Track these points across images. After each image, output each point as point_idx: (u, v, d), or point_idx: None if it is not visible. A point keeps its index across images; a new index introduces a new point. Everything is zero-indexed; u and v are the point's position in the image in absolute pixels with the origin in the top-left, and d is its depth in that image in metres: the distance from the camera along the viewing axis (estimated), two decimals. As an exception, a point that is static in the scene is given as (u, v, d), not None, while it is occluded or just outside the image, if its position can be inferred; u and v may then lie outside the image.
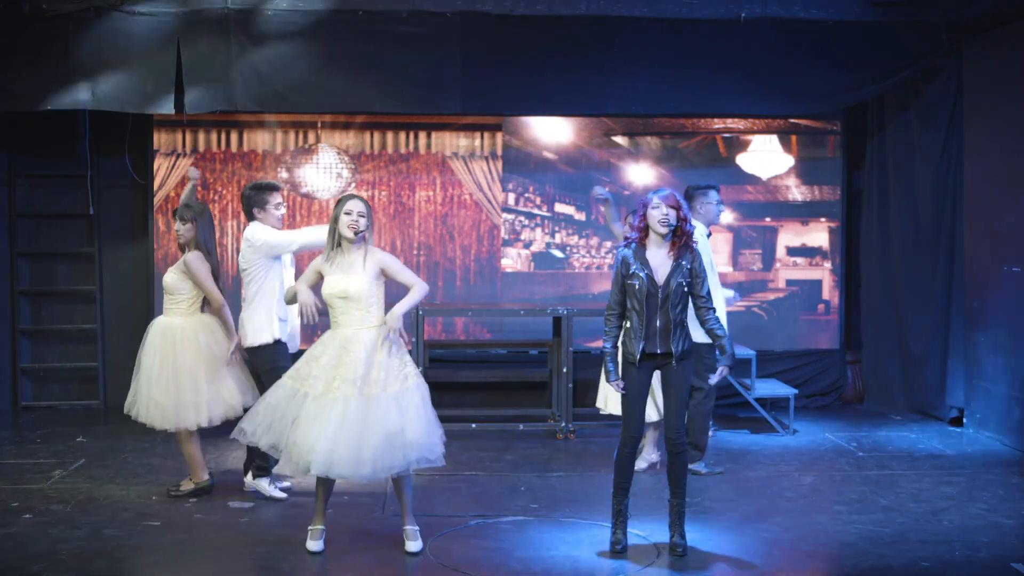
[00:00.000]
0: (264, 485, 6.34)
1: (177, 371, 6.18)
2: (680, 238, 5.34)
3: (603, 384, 6.93)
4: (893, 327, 9.20)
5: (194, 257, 6.24)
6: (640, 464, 6.95)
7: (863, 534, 5.71)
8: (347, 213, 5.31)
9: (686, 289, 5.34)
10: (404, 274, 5.41)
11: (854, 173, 9.59)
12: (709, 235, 7.04)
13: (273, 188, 6.44)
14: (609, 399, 6.87)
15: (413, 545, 5.38)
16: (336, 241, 5.36)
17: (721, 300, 6.96)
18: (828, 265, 9.61)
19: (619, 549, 5.38)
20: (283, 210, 6.49)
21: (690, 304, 5.40)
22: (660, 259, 5.34)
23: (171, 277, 6.32)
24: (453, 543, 5.55)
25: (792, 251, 9.58)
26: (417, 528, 5.45)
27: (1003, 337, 7.84)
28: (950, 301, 8.62)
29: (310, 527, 5.47)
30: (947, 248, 8.64)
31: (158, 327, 6.32)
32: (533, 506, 6.26)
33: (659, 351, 5.33)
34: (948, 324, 8.65)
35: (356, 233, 5.30)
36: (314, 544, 5.40)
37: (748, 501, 6.37)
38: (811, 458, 7.49)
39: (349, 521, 5.91)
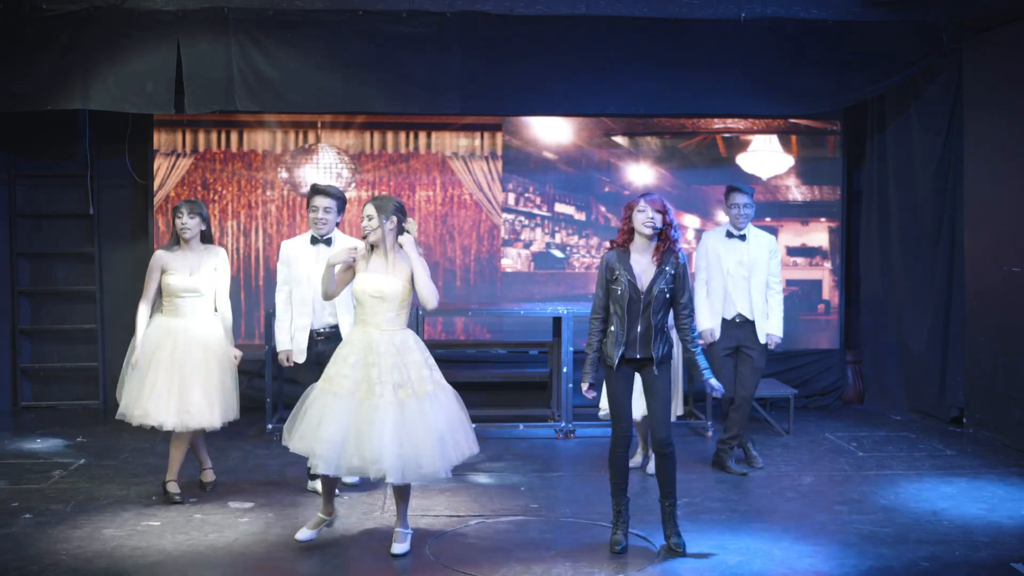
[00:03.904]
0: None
1: (200, 372, 6.15)
2: (664, 243, 5.33)
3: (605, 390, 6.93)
4: (893, 327, 9.20)
5: (224, 252, 6.35)
6: (636, 460, 6.94)
7: (863, 534, 5.71)
8: (362, 219, 5.37)
9: (668, 296, 5.34)
10: (420, 275, 5.34)
11: (854, 173, 9.60)
12: (731, 235, 6.99)
13: (312, 192, 6.37)
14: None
15: (398, 547, 5.37)
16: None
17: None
18: (828, 265, 9.61)
19: (619, 550, 5.38)
20: (316, 213, 6.29)
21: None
22: (644, 264, 5.33)
23: (205, 280, 6.22)
24: (453, 543, 5.55)
25: (792, 251, 9.58)
26: (409, 532, 5.46)
27: (1003, 337, 7.84)
28: (950, 301, 8.62)
29: (318, 515, 5.51)
30: (947, 248, 8.64)
31: (172, 328, 6.22)
32: (533, 506, 6.26)
33: (638, 356, 5.34)
34: (948, 324, 8.65)
35: (364, 235, 5.32)
36: (306, 533, 5.43)
37: (748, 501, 6.37)
38: (811, 458, 7.49)
39: (349, 521, 5.91)
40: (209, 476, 6.56)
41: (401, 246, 5.35)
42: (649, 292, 5.29)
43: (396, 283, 5.29)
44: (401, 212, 5.38)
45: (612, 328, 5.34)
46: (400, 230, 5.36)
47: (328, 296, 5.49)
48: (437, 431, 5.24)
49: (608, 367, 5.37)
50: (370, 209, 5.33)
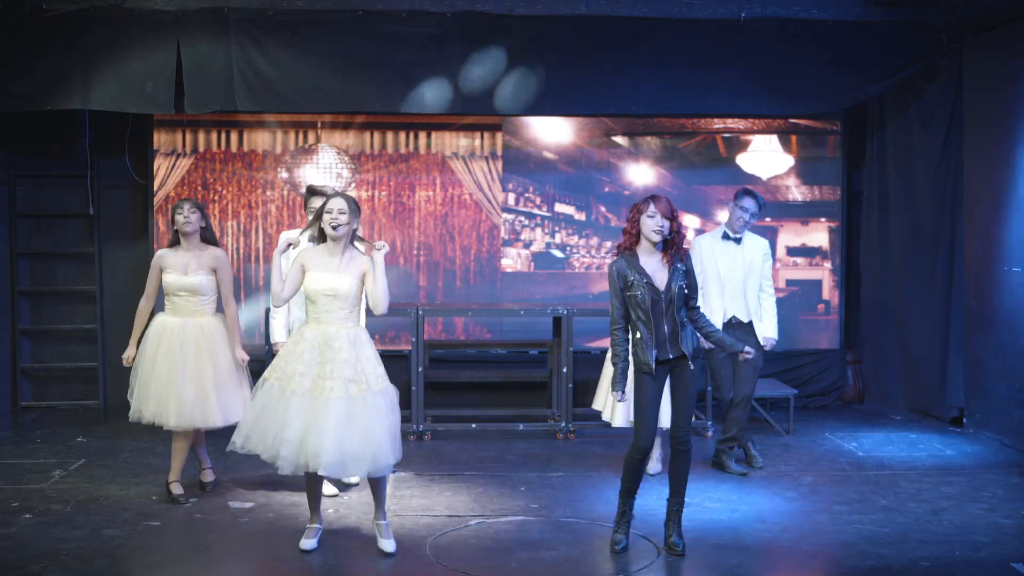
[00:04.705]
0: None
1: (201, 370, 6.15)
2: (672, 246, 5.32)
3: (609, 396, 6.89)
4: (893, 327, 9.20)
5: (224, 255, 6.31)
6: (656, 467, 6.91)
7: (863, 534, 5.71)
8: (328, 212, 5.33)
9: (686, 291, 5.34)
10: (380, 280, 5.35)
11: (854, 173, 9.60)
12: (727, 237, 6.99)
13: (309, 193, 6.37)
14: (617, 412, 6.71)
15: (386, 544, 5.37)
16: (320, 237, 5.38)
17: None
18: (828, 265, 9.61)
19: (619, 549, 5.38)
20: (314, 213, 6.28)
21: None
22: (655, 265, 5.31)
23: (200, 279, 6.22)
24: (453, 543, 5.55)
25: (792, 251, 9.58)
26: (387, 523, 5.43)
27: (1003, 337, 7.84)
28: (950, 301, 8.62)
29: (307, 526, 5.48)
30: (947, 248, 8.64)
31: (169, 325, 6.22)
32: (533, 506, 6.26)
33: (671, 356, 5.33)
34: (948, 324, 8.64)
35: (335, 228, 5.31)
36: (307, 542, 5.41)
37: (748, 501, 6.37)
38: (811, 458, 7.49)
39: (348, 521, 5.91)
40: (209, 476, 6.56)
41: (364, 251, 5.39)
42: (669, 290, 5.27)
43: (349, 281, 5.30)
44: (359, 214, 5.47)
45: (639, 335, 5.30)
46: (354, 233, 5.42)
47: (280, 299, 5.40)
48: (386, 426, 5.25)
49: (645, 373, 5.31)
50: (343, 204, 5.33)
